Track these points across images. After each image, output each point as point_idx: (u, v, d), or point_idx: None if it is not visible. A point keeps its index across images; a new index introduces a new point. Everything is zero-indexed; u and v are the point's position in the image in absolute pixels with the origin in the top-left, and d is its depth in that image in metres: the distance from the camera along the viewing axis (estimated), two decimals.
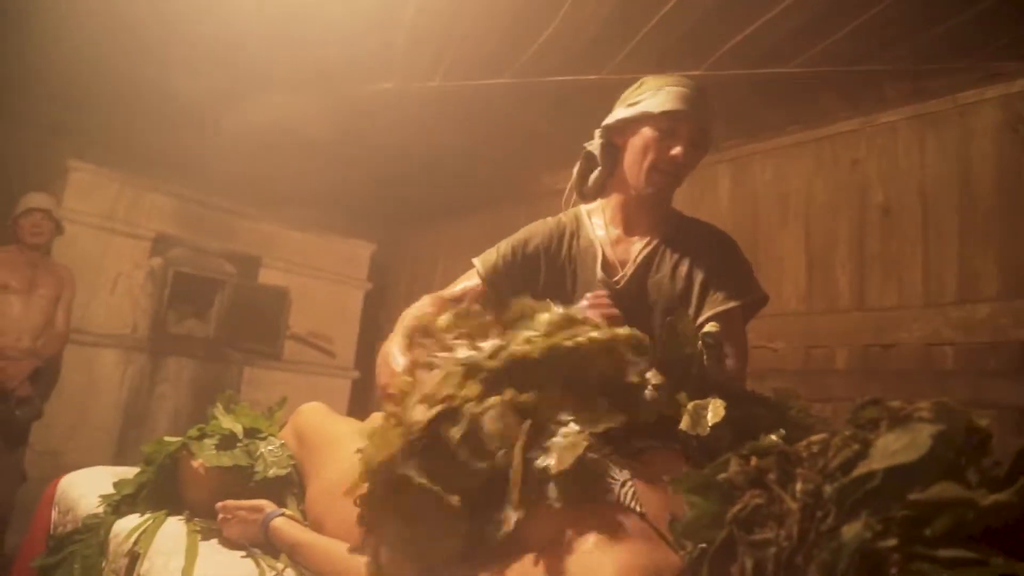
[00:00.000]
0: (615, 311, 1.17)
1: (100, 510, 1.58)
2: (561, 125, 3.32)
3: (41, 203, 3.33)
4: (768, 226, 3.15)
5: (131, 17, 2.74)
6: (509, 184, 4.26)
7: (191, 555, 1.28)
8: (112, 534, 1.48)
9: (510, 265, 1.43)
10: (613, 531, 0.77)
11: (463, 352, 0.89)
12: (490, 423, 0.79)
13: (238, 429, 1.59)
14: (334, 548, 1.16)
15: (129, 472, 1.71)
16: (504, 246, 1.46)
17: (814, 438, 0.69)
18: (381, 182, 4.46)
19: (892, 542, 0.56)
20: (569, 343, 0.84)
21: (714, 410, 0.74)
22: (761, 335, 2.85)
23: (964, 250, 2.57)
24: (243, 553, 1.31)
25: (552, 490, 0.77)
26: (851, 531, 0.58)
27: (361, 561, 0.88)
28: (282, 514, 1.34)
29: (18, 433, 3.13)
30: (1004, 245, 2.48)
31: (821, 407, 2.54)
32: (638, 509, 0.79)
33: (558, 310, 0.96)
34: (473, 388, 0.83)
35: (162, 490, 1.57)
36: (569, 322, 0.91)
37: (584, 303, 1.17)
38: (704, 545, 0.69)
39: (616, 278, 1.36)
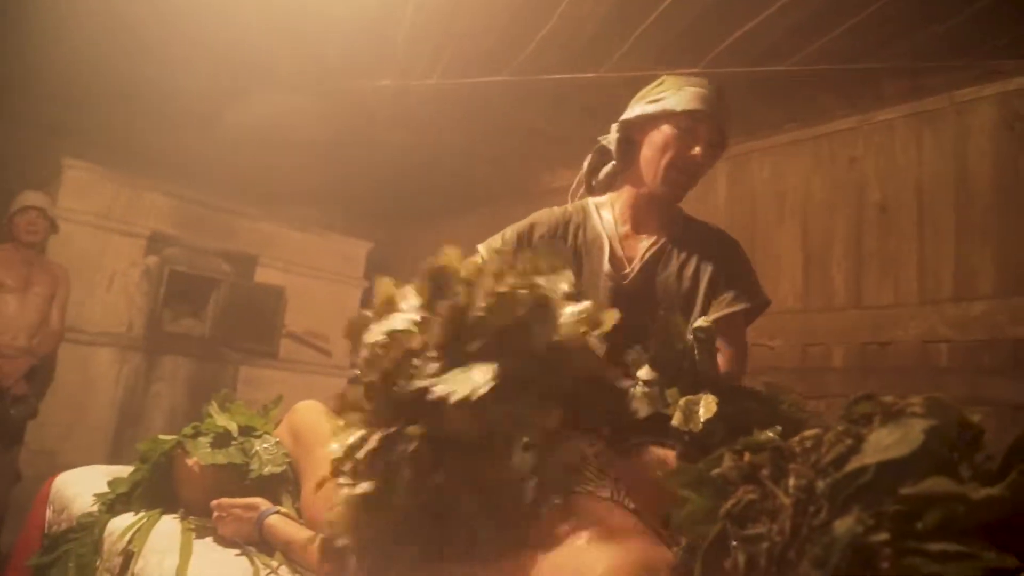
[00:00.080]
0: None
1: (94, 509, 1.58)
2: (559, 123, 3.32)
3: (36, 201, 3.33)
4: (765, 224, 3.15)
5: (129, 16, 2.74)
6: (507, 182, 4.26)
7: (185, 553, 1.28)
8: (106, 532, 1.47)
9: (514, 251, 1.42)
10: (606, 527, 0.77)
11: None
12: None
13: (233, 427, 1.58)
14: None
15: (124, 471, 1.71)
16: (509, 232, 1.45)
17: (807, 433, 0.69)
18: (379, 181, 4.46)
19: (884, 536, 0.56)
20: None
21: (706, 406, 0.74)
22: (758, 333, 2.84)
23: (960, 248, 2.57)
24: (238, 551, 1.30)
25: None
26: (843, 526, 0.58)
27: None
28: (277, 512, 1.34)
29: (13, 432, 3.12)
30: (1000, 243, 2.48)
31: (817, 404, 2.54)
32: (631, 505, 0.79)
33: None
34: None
35: (157, 488, 1.57)
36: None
37: None
38: (697, 540, 0.69)
39: (623, 273, 1.36)
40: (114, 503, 1.57)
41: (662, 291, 1.35)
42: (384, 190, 4.68)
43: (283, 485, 1.52)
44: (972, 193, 2.57)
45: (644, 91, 1.43)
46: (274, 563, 1.24)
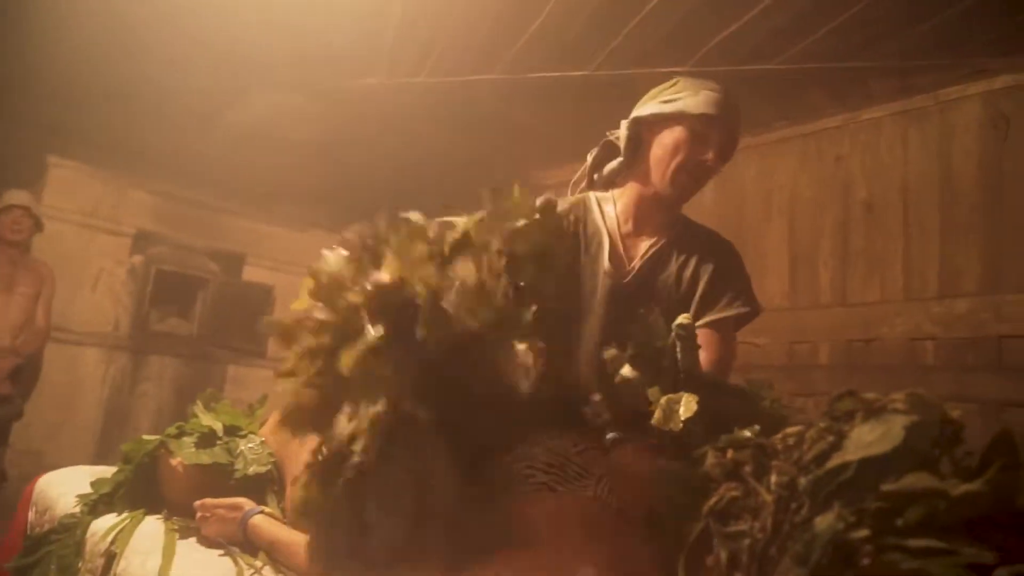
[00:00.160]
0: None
1: (77, 510, 1.56)
2: (548, 121, 3.32)
3: (21, 200, 3.30)
4: (753, 222, 3.16)
5: (120, 15, 2.72)
6: (494, 180, 4.23)
7: (168, 554, 1.27)
8: (89, 533, 1.46)
9: None
10: (589, 525, 0.77)
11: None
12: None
13: (218, 427, 1.57)
14: None
15: (108, 471, 1.69)
16: None
17: (789, 430, 0.69)
18: (367, 178, 4.44)
19: (864, 533, 0.56)
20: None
21: (686, 405, 0.74)
22: (745, 331, 2.84)
23: (945, 246, 2.59)
24: (221, 552, 1.29)
25: None
26: (824, 522, 0.58)
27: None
28: (261, 512, 1.33)
29: None
30: (985, 241, 2.50)
31: (804, 401, 2.56)
32: (614, 503, 0.79)
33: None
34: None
35: (140, 489, 1.55)
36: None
37: None
38: (680, 538, 0.69)
39: (623, 272, 1.36)
40: (96, 504, 1.55)
41: (660, 292, 1.36)
42: (372, 188, 4.66)
43: (268, 485, 1.51)
44: (957, 191, 2.59)
45: (657, 90, 1.41)
46: (258, 563, 1.23)
